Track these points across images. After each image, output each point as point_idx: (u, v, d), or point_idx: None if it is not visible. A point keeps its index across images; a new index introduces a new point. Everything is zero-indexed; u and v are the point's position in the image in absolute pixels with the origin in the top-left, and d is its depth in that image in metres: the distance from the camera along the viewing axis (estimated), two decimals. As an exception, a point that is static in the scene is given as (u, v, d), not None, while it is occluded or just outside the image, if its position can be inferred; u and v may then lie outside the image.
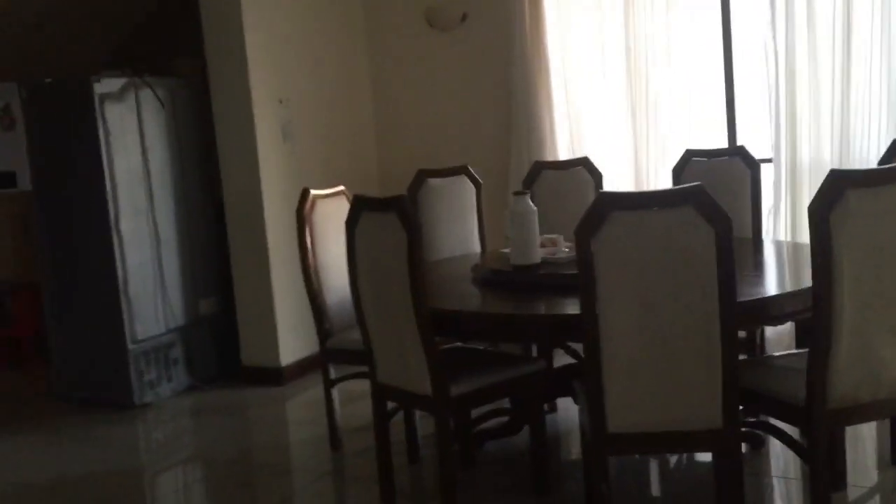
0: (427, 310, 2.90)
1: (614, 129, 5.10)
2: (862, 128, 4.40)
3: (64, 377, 5.07)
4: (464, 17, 5.51)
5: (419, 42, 5.67)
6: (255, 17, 4.96)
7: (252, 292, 5.13)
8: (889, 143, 3.69)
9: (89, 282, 4.87)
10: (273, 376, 5.11)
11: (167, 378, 5.03)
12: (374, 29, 5.83)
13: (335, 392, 3.95)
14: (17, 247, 6.05)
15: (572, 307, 2.72)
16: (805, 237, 4.44)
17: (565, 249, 3.46)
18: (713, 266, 2.42)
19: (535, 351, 3.97)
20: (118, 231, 4.77)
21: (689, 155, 4.25)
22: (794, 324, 3.59)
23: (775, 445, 3.58)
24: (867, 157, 4.38)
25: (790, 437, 2.86)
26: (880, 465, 3.46)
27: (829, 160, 4.48)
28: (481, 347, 3.79)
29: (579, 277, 2.50)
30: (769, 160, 4.65)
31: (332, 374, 3.94)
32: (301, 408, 4.84)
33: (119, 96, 4.79)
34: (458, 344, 3.66)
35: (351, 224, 3.12)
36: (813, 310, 2.52)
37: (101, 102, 4.69)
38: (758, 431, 3.42)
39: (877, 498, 3.22)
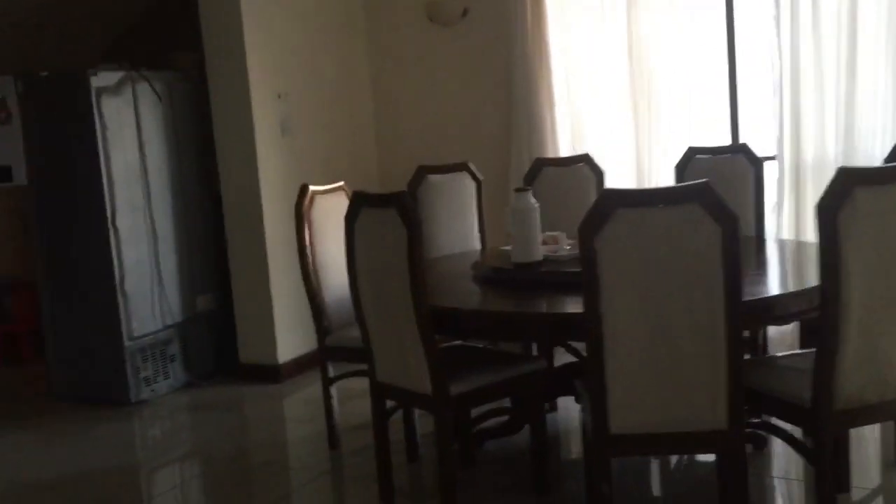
0: (427, 307, 2.87)
1: (616, 126, 5.06)
2: (867, 125, 4.36)
3: (61, 374, 5.03)
4: (465, 13, 5.47)
5: (419, 37, 5.63)
6: (253, 11, 4.92)
7: (250, 289, 5.10)
8: (895, 140, 3.65)
9: (86, 278, 4.83)
10: (271, 373, 5.08)
11: (164, 375, 4.99)
12: (374, 23, 5.79)
13: (334, 390, 3.92)
14: (14, 243, 6.01)
15: (575, 305, 2.68)
16: (808, 235, 4.46)
17: (567, 247, 3.43)
18: (719, 265, 2.39)
19: (535, 349, 3.94)
20: (115, 227, 4.73)
21: (692, 152, 4.21)
22: (797, 324, 3.56)
23: (777, 446, 3.56)
24: (872, 154, 4.34)
25: (795, 438, 2.82)
26: (884, 467, 3.43)
27: (834, 158, 4.44)
28: (481, 346, 3.76)
29: (583, 275, 2.46)
30: (772, 158, 4.61)
31: (331, 371, 3.91)
32: (299, 405, 4.80)
33: (116, 90, 4.75)
34: (458, 342, 3.63)
35: (350, 220, 3.09)
36: (820, 309, 2.49)
37: (98, 96, 4.65)
38: (760, 432, 3.38)
39: (881, 500, 3.19)
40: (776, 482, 3.42)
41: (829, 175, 4.37)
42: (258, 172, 4.95)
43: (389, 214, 2.90)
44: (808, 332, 3.47)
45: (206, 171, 5.24)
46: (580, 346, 3.94)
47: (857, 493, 3.13)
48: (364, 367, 3.31)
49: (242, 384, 5.09)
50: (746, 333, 3.61)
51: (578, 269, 2.52)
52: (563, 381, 3.67)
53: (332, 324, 3.87)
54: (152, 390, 4.91)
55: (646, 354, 2.47)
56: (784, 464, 3.51)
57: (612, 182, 4.53)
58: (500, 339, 3.92)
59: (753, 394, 2.71)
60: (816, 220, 2.44)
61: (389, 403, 3.25)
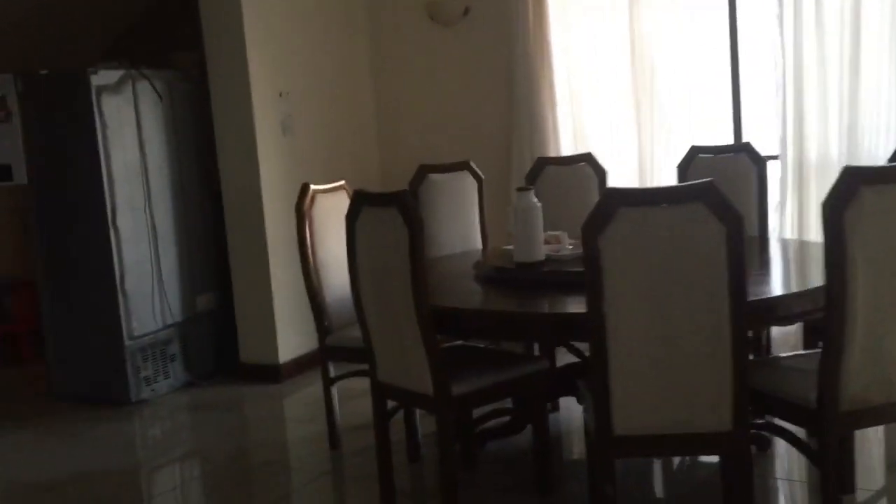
0: (428, 307, 2.85)
1: (618, 125, 5.04)
2: (870, 124, 4.34)
3: (61, 374, 5.01)
4: (466, 11, 5.45)
5: (420, 36, 5.61)
6: (254, 10, 4.90)
7: (250, 288, 5.08)
8: (899, 139, 3.63)
9: (86, 277, 4.81)
10: (271, 373, 5.06)
11: (164, 375, 4.97)
12: (375, 22, 5.77)
13: (334, 390, 3.90)
14: (14, 242, 6.00)
15: (577, 305, 2.65)
16: (811, 235, 4.44)
17: (569, 246, 3.41)
18: (723, 264, 2.36)
19: (536, 349, 3.92)
20: (115, 226, 4.71)
21: (695, 151, 4.18)
22: (801, 324, 3.54)
23: (780, 447, 3.54)
24: (875, 153, 4.32)
25: (799, 439, 2.80)
26: (889, 468, 3.41)
27: (837, 157, 4.42)
28: (482, 346, 3.74)
29: (586, 275, 2.44)
30: (775, 157, 4.58)
31: (332, 371, 3.89)
32: (300, 405, 4.78)
33: (116, 88, 4.73)
34: (460, 342, 3.61)
35: (351, 219, 3.06)
36: (826, 309, 2.46)
37: (98, 95, 4.63)
38: (763, 433, 3.36)
39: (885, 501, 3.17)
40: (779, 483, 3.40)
41: (833, 174, 4.36)
42: (259, 171, 4.93)
43: (391, 213, 2.88)
44: (811, 333, 3.47)
45: (206, 170, 5.21)
46: (582, 346, 3.96)
47: (861, 495, 3.11)
48: (365, 367, 3.29)
49: (243, 384, 5.07)
50: (750, 334, 3.58)
51: (581, 269, 2.50)
52: (565, 381, 3.66)
53: (332, 323, 3.85)
54: (152, 390, 4.89)
55: (649, 355, 2.45)
56: (787, 465, 3.49)
57: (614, 181, 4.51)
58: (502, 339, 3.90)
59: (757, 395, 2.69)
60: (822, 220, 2.42)
61: (391, 404, 3.23)
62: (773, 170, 4.37)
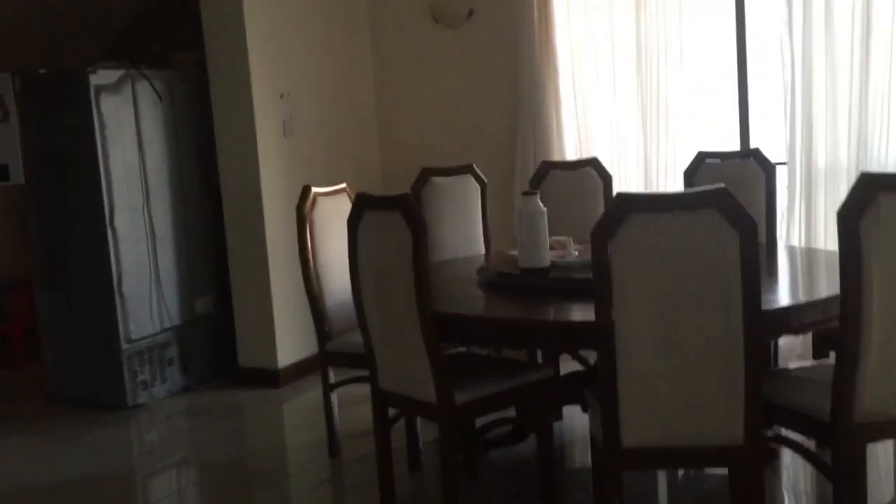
0: (432, 313, 2.79)
1: (623, 129, 4.99)
2: (881, 130, 4.28)
3: (57, 376, 4.96)
4: (470, 13, 5.40)
5: (424, 38, 5.56)
6: (255, 10, 4.85)
7: (250, 291, 5.02)
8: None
9: (83, 279, 4.76)
10: (270, 378, 5.00)
11: (161, 379, 4.91)
12: (378, 23, 5.72)
13: (334, 396, 3.84)
14: (12, 242, 5.94)
15: (585, 313, 2.59)
16: (819, 242, 4.39)
17: (575, 252, 3.35)
18: (737, 272, 2.30)
19: (539, 357, 3.86)
20: (113, 227, 4.66)
21: (702, 157, 4.13)
22: (810, 334, 3.48)
23: (787, 459, 3.48)
24: (885, 160, 4.26)
25: (812, 452, 2.73)
26: (900, 482, 3.35)
27: (846, 163, 4.37)
28: (485, 353, 3.68)
29: (595, 282, 2.38)
30: (783, 163, 4.52)
31: (332, 377, 3.83)
32: (299, 411, 4.72)
33: (115, 88, 4.67)
34: (462, 349, 3.55)
35: (353, 222, 3.01)
36: (841, 319, 2.40)
37: (97, 94, 4.57)
38: (772, 445, 3.30)
39: (897, 515, 3.11)
40: (787, 496, 3.34)
41: (841, 181, 4.36)
42: (259, 173, 4.88)
43: (393, 217, 2.82)
44: (821, 343, 3.41)
45: (206, 171, 5.16)
46: (587, 353, 3.90)
47: (873, 509, 3.05)
48: (365, 373, 3.23)
49: (241, 389, 5.01)
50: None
51: (588, 276, 2.44)
52: (570, 390, 3.60)
53: (333, 328, 3.79)
54: (149, 394, 4.83)
55: (659, 365, 2.38)
56: (795, 477, 3.43)
57: (618, 186, 4.46)
58: (506, 347, 3.84)
59: (768, 406, 2.61)
60: (837, 227, 2.35)
61: (391, 411, 3.17)
62: (780, 176, 4.31)
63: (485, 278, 3.40)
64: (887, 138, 4.27)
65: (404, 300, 2.82)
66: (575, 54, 5.04)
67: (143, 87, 4.82)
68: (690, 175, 4.10)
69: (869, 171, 2.38)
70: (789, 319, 2.69)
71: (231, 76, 4.88)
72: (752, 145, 4.63)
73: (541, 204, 3.23)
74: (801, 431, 2.72)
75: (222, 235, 5.09)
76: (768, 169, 3.96)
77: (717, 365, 2.36)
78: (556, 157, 4.99)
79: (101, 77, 4.60)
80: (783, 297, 3.03)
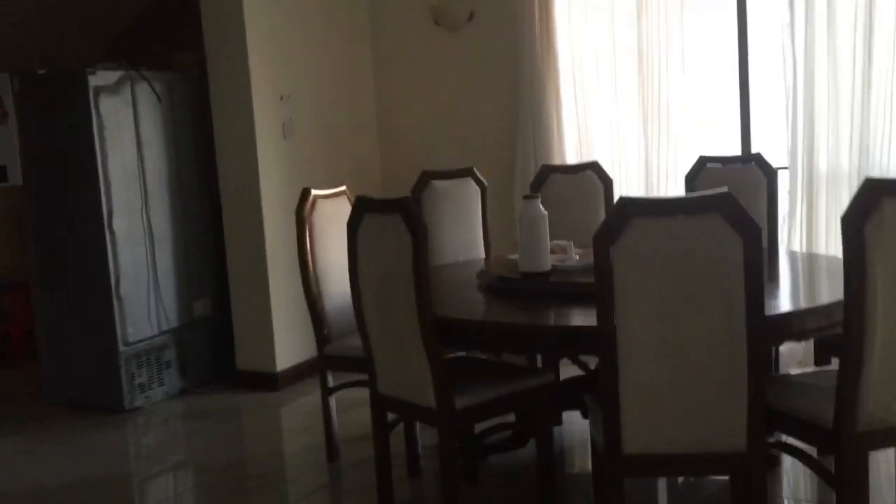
0: (432, 317, 2.76)
1: (624, 133, 4.97)
2: (882, 135, 4.26)
3: (53, 378, 4.93)
4: (471, 16, 5.38)
5: (425, 40, 5.54)
6: (256, 11, 4.83)
7: (248, 294, 5.00)
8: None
9: (80, 281, 4.73)
10: (268, 381, 4.97)
11: (159, 381, 4.89)
12: (378, 25, 5.70)
13: (333, 400, 3.81)
14: (10, 243, 5.92)
15: (586, 318, 2.57)
16: (821, 248, 4.37)
17: (576, 256, 3.33)
18: (740, 278, 2.28)
19: (539, 361, 3.84)
20: (111, 229, 4.63)
21: (703, 161, 4.11)
22: (811, 340, 3.46)
23: (787, 465, 3.45)
24: (887, 165, 4.25)
25: (815, 460, 2.71)
26: (902, 489, 3.32)
27: (848, 169, 4.35)
28: (484, 357, 3.65)
29: (596, 287, 2.36)
30: (784, 168, 4.50)
31: (331, 381, 3.80)
32: (297, 415, 4.69)
33: (114, 89, 4.65)
34: (462, 354, 3.52)
35: (353, 226, 2.98)
36: (845, 325, 2.38)
37: (96, 95, 4.55)
38: (773, 451, 3.28)
39: (899, 523, 3.09)
40: None
41: (843, 186, 4.34)
42: (259, 175, 4.86)
43: (394, 220, 2.80)
44: (823, 349, 3.39)
45: (205, 173, 5.14)
46: (587, 357, 3.88)
47: (874, 516, 3.02)
48: (364, 377, 3.21)
49: (239, 392, 4.98)
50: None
51: (589, 280, 2.42)
52: (570, 395, 3.57)
53: (332, 332, 3.77)
54: (146, 397, 4.81)
55: (662, 371, 2.36)
56: (796, 484, 3.41)
57: (619, 190, 4.44)
58: (506, 351, 3.82)
59: (769, 412, 2.59)
60: (842, 232, 2.33)
61: (390, 416, 3.15)
62: (781, 181, 4.29)
63: (485, 282, 3.38)
64: (889, 143, 4.24)
65: (404, 304, 2.80)
66: (576, 57, 5.02)
67: (143, 89, 4.80)
68: (692, 179, 4.08)
69: (873, 177, 2.36)
70: (792, 325, 2.66)
71: (231, 78, 4.86)
72: (754, 149, 4.61)
73: (542, 208, 3.21)
74: (804, 438, 2.69)
75: (221, 237, 5.07)
76: (770, 173, 3.94)
77: (720, 371, 2.34)
78: (556, 160, 4.97)
79: (101, 78, 4.58)
80: (786, 302, 3.00)
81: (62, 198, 4.72)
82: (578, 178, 4.36)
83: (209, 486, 3.85)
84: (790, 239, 4.54)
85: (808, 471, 3.27)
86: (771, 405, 2.62)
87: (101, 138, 4.58)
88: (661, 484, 3.48)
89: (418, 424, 3.63)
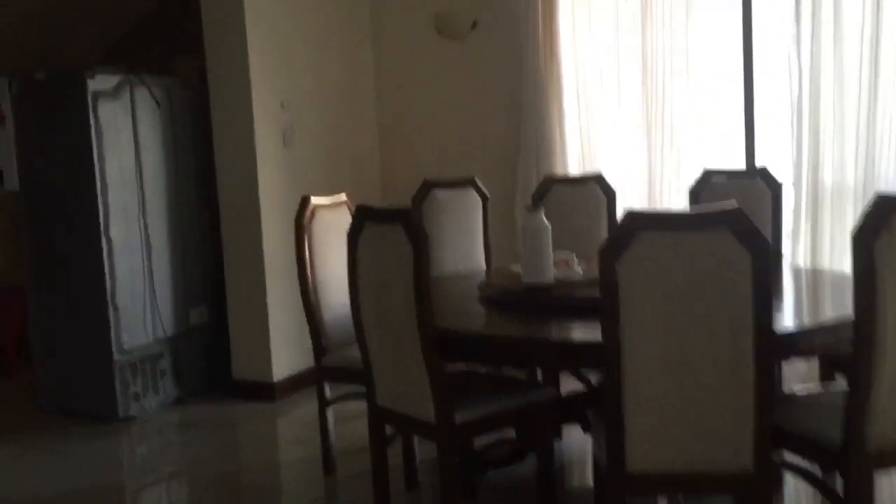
0: (433, 329, 2.71)
1: (628, 145, 4.93)
2: (888, 150, 4.22)
3: (48, 386, 4.88)
4: (474, 25, 5.35)
5: (427, 49, 5.51)
6: (257, 18, 4.80)
7: (245, 303, 4.94)
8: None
9: (75, 288, 4.68)
10: (265, 391, 4.91)
11: (154, 390, 4.83)
12: (380, 34, 5.67)
13: (330, 412, 3.76)
14: (5, 248, 5.87)
15: (590, 332, 2.52)
16: (825, 263, 4.32)
17: (579, 269, 3.28)
18: (748, 294, 2.23)
19: (539, 375, 3.79)
20: (107, 235, 4.58)
21: (708, 175, 4.07)
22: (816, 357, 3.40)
23: (789, 485, 3.40)
24: (893, 180, 4.20)
25: (822, 480, 2.66)
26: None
27: (853, 184, 4.30)
28: (484, 371, 3.60)
29: (602, 301, 2.31)
30: (788, 182, 4.46)
31: (328, 392, 3.75)
32: (293, 426, 4.63)
33: (113, 94, 4.60)
34: (461, 367, 3.47)
35: (353, 235, 2.93)
36: (854, 342, 2.33)
37: (95, 100, 4.51)
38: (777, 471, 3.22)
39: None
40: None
41: (848, 201, 4.29)
42: (258, 183, 4.81)
43: (394, 230, 2.75)
44: (828, 366, 3.33)
45: (203, 180, 5.09)
46: (588, 371, 3.82)
47: (881, 538, 2.97)
48: (362, 389, 3.15)
49: (235, 402, 4.93)
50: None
51: (592, 294, 2.36)
52: (571, 409, 3.52)
53: (330, 343, 3.72)
54: (141, 406, 4.75)
55: (667, 387, 2.31)
56: None
57: (622, 201, 4.39)
58: (507, 365, 3.76)
59: (775, 431, 2.55)
60: (852, 249, 2.29)
61: (389, 429, 3.09)
62: (786, 195, 4.25)
63: (486, 294, 3.33)
64: (895, 159, 4.20)
65: (404, 315, 2.75)
66: (579, 67, 4.98)
67: (142, 94, 4.76)
68: (696, 193, 4.04)
69: (883, 193, 2.31)
70: (799, 342, 2.62)
71: (231, 84, 4.82)
72: (758, 162, 4.57)
73: (545, 220, 3.17)
74: (810, 458, 2.64)
75: (219, 245, 5.02)
76: (775, 188, 3.90)
77: (727, 388, 2.29)
78: (559, 171, 4.94)
79: (99, 82, 4.54)
80: (792, 319, 2.96)
81: (59, 203, 4.67)
82: (581, 190, 4.32)
83: (203, 497, 3.79)
84: (794, 253, 4.49)
85: (811, 490, 3.22)
86: (778, 424, 2.57)
87: (99, 143, 4.53)
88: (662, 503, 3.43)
89: (417, 438, 3.57)
